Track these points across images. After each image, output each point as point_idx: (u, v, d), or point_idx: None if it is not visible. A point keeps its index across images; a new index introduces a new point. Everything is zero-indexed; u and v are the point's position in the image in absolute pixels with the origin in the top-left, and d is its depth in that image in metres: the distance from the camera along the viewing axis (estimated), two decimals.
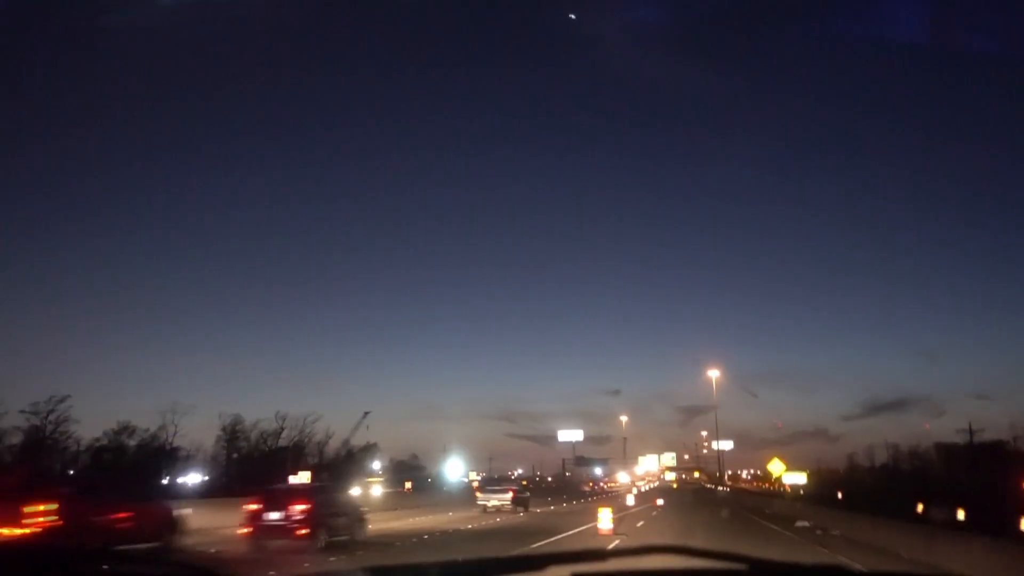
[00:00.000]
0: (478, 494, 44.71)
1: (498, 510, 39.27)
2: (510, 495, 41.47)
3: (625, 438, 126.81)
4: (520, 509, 40.75)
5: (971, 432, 66.48)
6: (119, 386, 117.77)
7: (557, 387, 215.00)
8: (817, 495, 60.26)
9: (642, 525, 30.47)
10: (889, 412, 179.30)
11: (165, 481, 71.21)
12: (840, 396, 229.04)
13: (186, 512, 21.11)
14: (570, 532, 25.10)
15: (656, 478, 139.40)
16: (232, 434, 76.82)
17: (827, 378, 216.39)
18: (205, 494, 63.16)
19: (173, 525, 19.32)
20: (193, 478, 73.99)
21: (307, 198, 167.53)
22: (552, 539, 21.98)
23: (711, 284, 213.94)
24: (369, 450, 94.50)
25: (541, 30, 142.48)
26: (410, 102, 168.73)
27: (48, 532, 14.63)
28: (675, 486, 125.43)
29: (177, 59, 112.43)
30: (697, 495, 78.18)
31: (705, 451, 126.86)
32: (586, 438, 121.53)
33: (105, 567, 1.45)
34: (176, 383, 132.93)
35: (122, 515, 17.35)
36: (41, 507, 15.09)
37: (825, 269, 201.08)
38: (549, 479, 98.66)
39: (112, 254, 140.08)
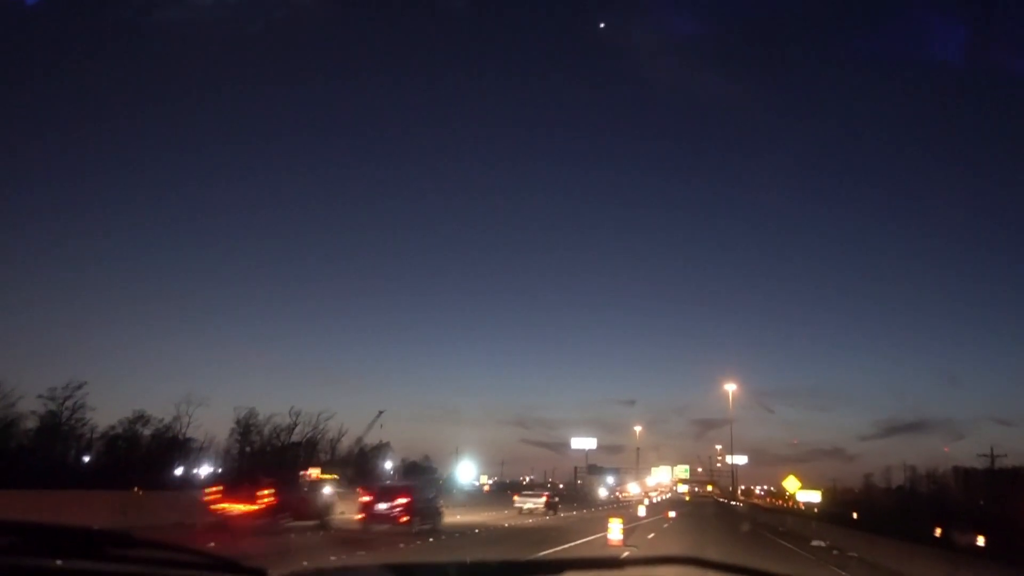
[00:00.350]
0: (516, 497, 50.48)
1: (532, 512, 44.39)
2: (544, 499, 48.26)
3: (638, 448, 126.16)
4: (551, 512, 46.47)
5: (992, 457, 65.11)
6: (136, 375, 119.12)
7: (573, 395, 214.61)
8: (831, 514, 59.33)
9: (653, 537, 29.98)
10: (907, 434, 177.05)
11: (179, 472, 71.62)
12: (858, 415, 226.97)
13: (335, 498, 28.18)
14: (599, 535, 25.22)
15: (669, 489, 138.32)
16: (246, 428, 77.04)
17: (845, 397, 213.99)
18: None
19: (329, 507, 26.47)
20: (206, 471, 74.27)
21: (332, 196, 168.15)
22: (582, 540, 24.16)
23: (731, 298, 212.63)
24: (381, 449, 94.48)
25: (569, 39, 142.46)
26: (438, 107, 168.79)
27: (269, 508, 22.66)
28: (687, 498, 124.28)
29: (196, 54, 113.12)
30: (709, 509, 77.30)
31: (719, 465, 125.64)
32: (599, 447, 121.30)
33: (129, 552, 1.50)
34: (192, 375, 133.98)
35: (303, 499, 25.48)
36: (266, 492, 23.29)
37: (847, 287, 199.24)
38: (561, 486, 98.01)
39: (135, 244, 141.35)
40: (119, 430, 69.64)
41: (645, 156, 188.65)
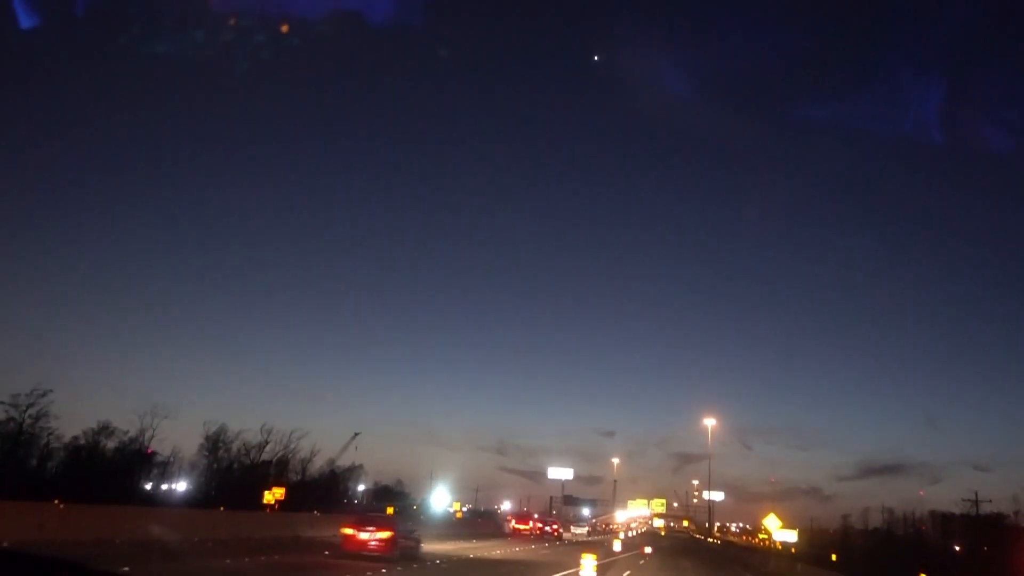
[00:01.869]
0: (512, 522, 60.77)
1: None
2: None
3: (616, 480, 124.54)
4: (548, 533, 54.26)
5: (977, 502, 64.40)
6: (102, 386, 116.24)
7: (552, 423, 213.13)
8: (811, 555, 58.15)
9: (629, 575, 28.95)
10: (884, 476, 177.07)
11: (148, 487, 69.47)
12: (836, 456, 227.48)
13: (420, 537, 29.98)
14: (572, 570, 24.55)
15: (645, 523, 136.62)
16: (215, 443, 74.93)
17: (824, 437, 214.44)
18: (188, 503, 61.45)
19: (418, 543, 28.88)
20: (179, 486, 72.24)
21: (311, 212, 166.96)
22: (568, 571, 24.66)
23: (714, 334, 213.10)
24: (354, 471, 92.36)
25: (564, 66, 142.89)
26: (419, 126, 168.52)
27: (384, 544, 25.18)
28: (663, 533, 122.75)
29: (177, 61, 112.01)
30: (686, 545, 75.92)
31: (695, 500, 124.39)
32: (577, 477, 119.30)
33: None
34: (160, 387, 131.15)
35: (409, 539, 27.84)
36: (388, 532, 25.82)
37: (830, 330, 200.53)
38: (536, 516, 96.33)
39: (106, 251, 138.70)
40: (82, 441, 67.56)
41: (634, 189, 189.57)
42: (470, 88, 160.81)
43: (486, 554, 33.92)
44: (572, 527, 74.81)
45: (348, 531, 26.04)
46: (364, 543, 25.27)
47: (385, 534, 25.69)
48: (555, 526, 68.71)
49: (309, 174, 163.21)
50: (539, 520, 69.18)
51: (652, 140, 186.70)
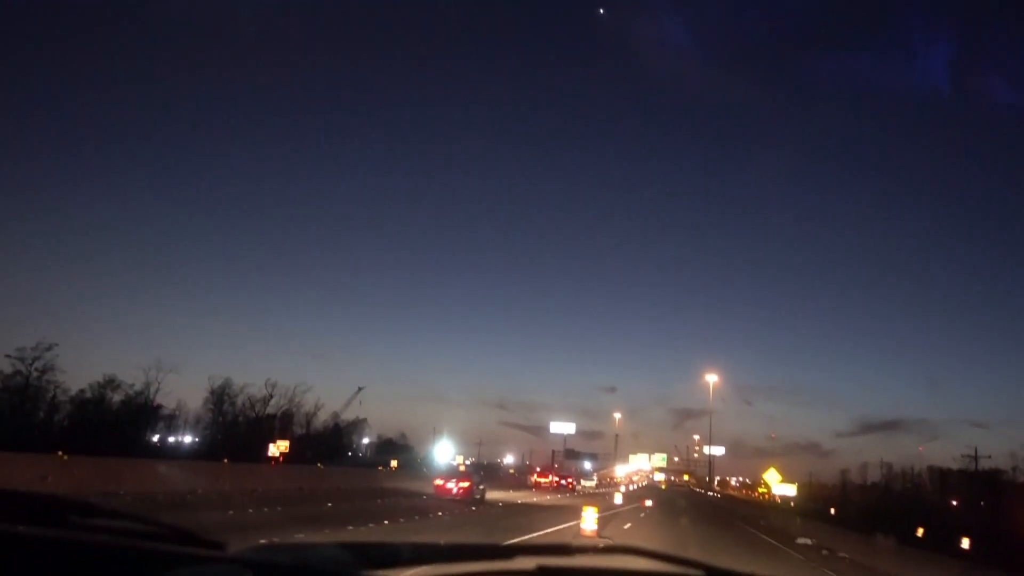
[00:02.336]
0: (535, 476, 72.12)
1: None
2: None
3: (617, 435, 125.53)
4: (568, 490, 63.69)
5: (976, 458, 64.73)
6: (108, 340, 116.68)
7: (554, 379, 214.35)
8: (807, 509, 58.82)
9: (629, 528, 29.09)
10: (883, 432, 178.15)
11: (155, 439, 70.24)
12: (835, 413, 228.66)
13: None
14: (574, 522, 24.47)
15: (645, 478, 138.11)
16: (220, 397, 75.54)
17: (824, 394, 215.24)
18: (193, 456, 62.10)
19: (484, 491, 38.26)
20: (185, 439, 73.05)
21: (317, 167, 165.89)
22: (553, 529, 24.75)
23: (717, 292, 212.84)
24: (358, 425, 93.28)
25: (565, 24, 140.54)
26: (424, 87, 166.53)
27: (465, 491, 35.19)
28: (663, 487, 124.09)
29: (182, 37, 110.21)
30: (686, 499, 76.67)
31: (696, 455, 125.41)
32: (578, 432, 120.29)
33: (89, 520, 1.55)
34: (166, 341, 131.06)
35: (478, 488, 36.89)
36: (467, 483, 36.31)
37: (831, 288, 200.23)
38: (538, 469, 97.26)
39: (111, 206, 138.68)
40: (89, 394, 68.12)
41: (634, 148, 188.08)
42: (465, 43, 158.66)
43: (525, 500, 43.90)
44: (583, 480, 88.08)
45: (439, 482, 37.27)
46: (450, 490, 35.56)
47: (465, 484, 36.52)
48: (570, 480, 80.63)
49: (312, 132, 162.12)
50: (556, 475, 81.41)
51: (655, 97, 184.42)
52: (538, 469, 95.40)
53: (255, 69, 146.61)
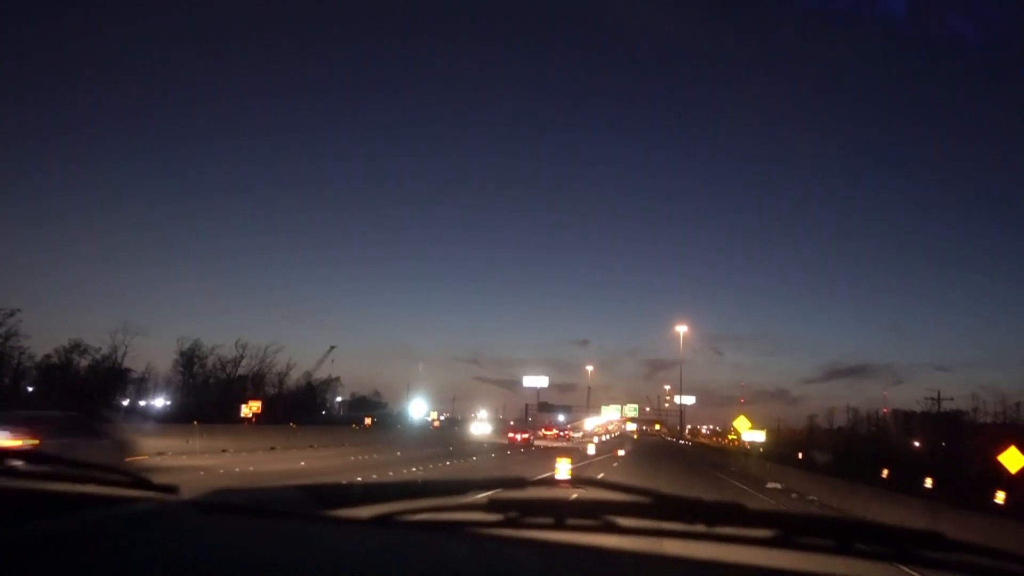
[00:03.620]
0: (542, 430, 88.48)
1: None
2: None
3: (589, 387, 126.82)
4: (564, 441, 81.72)
5: (939, 401, 66.38)
6: (72, 304, 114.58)
7: (526, 333, 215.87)
8: (777, 454, 60.09)
9: (602, 477, 29.27)
10: (849, 378, 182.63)
11: (125, 403, 69.52)
12: (802, 360, 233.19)
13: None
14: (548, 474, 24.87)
15: (617, 428, 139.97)
16: (189, 359, 74.86)
17: (791, 342, 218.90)
18: (164, 419, 61.64)
19: (534, 441, 68.92)
20: (156, 403, 72.37)
21: (285, 129, 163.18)
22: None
23: (685, 243, 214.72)
24: (330, 384, 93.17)
25: None
26: (395, 43, 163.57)
27: (526, 440, 66.69)
28: (635, 437, 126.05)
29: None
30: (658, 447, 78.03)
31: (667, 405, 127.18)
32: (551, 385, 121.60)
33: (40, 468, 1.61)
34: (133, 304, 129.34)
35: (533, 439, 70.62)
36: (527, 434, 70.85)
37: (795, 235, 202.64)
38: (511, 423, 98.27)
39: (75, 167, 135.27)
40: (55, 360, 67.20)
41: (604, 98, 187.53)
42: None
43: (551, 444, 66.92)
44: (572, 433, 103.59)
45: (511, 435, 67.95)
46: (515, 439, 64.72)
47: (526, 435, 67.32)
48: (567, 432, 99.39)
49: (284, 92, 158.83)
50: (558, 428, 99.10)
51: (621, 45, 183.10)
52: (511, 423, 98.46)
53: (229, 30, 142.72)
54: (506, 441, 69.38)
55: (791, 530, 1.26)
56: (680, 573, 1.26)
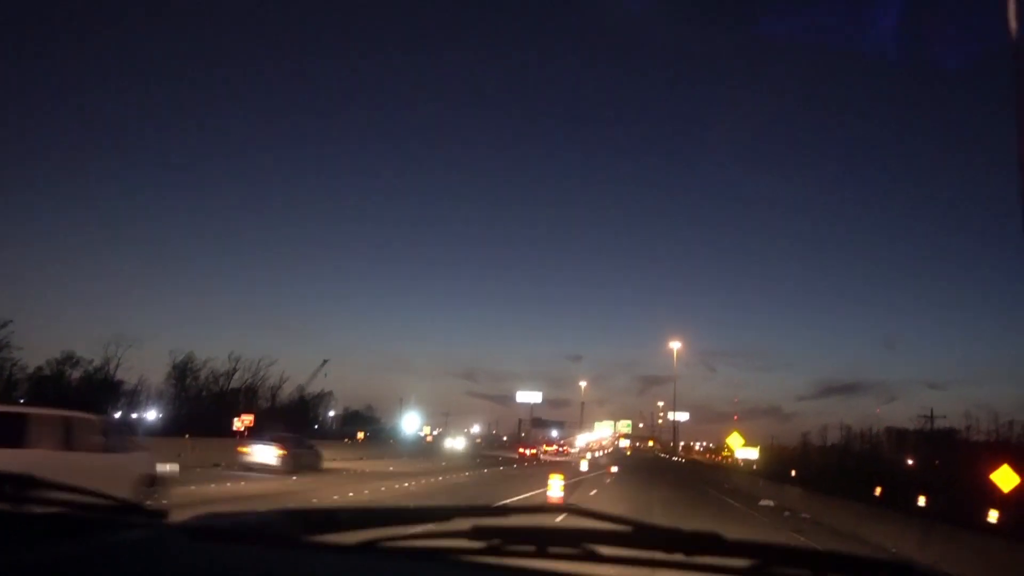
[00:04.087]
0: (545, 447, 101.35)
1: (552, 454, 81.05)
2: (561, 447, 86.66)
3: (583, 403, 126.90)
4: (563, 456, 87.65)
5: (932, 418, 66.53)
6: (64, 316, 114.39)
7: (521, 348, 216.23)
8: (769, 471, 59.97)
9: (595, 494, 29.29)
10: (842, 395, 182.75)
11: (117, 415, 69.08)
12: (796, 376, 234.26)
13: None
14: (539, 491, 25.19)
15: (611, 444, 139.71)
16: (182, 372, 74.63)
17: (785, 358, 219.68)
18: (156, 432, 61.29)
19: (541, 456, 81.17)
20: (148, 415, 72.06)
21: (278, 141, 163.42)
22: (520, 497, 24.89)
23: (679, 260, 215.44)
24: (323, 398, 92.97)
25: None
26: (388, 55, 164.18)
27: (535, 455, 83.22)
28: (629, 453, 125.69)
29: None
30: (651, 464, 77.81)
31: (660, 421, 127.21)
32: (545, 400, 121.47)
33: (30, 493, 1.55)
34: (125, 316, 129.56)
35: (537, 453, 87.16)
36: (534, 449, 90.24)
37: (790, 252, 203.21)
38: (504, 438, 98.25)
39: (68, 178, 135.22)
40: (47, 371, 66.92)
41: (600, 115, 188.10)
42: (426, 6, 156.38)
43: (552, 459, 73.75)
44: (570, 449, 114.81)
45: (521, 449, 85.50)
46: (525, 454, 77.38)
47: (535, 449, 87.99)
48: (565, 447, 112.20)
49: (276, 105, 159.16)
50: (557, 444, 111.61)
51: (617, 60, 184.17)
52: (504, 438, 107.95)
53: (207, 49, 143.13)
54: (494, 454, 78.19)
55: (768, 560, 1.29)
56: None
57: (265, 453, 26.03)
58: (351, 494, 20.77)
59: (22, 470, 1.57)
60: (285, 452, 25.98)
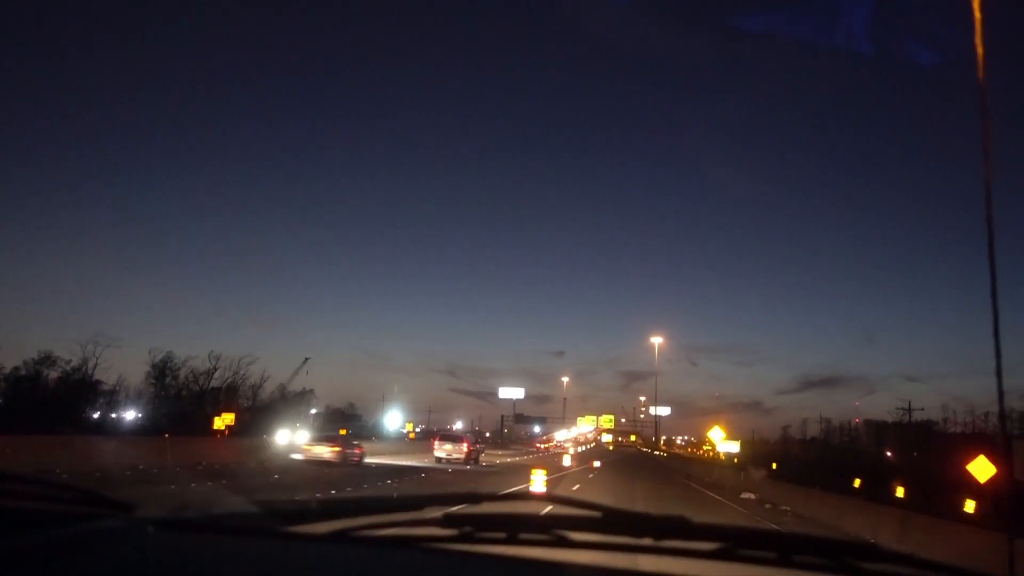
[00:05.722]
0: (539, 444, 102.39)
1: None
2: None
3: (565, 399, 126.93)
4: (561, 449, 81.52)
5: (910, 411, 67.27)
6: (40, 315, 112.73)
7: (503, 345, 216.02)
8: (753, 465, 60.30)
9: (578, 488, 29.35)
10: (822, 388, 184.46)
11: (96, 416, 68.41)
12: (776, 370, 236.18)
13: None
14: (523, 486, 25.01)
15: (593, 440, 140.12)
16: (161, 371, 73.94)
17: (765, 353, 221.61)
18: (136, 432, 60.70)
19: (478, 453, 47.33)
20: (126, 415, 71.33)
21: (259, 136, 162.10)
22: (505, 491, 25.02)
23: (661, 256, 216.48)
24: (305, 396, 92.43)
25: None
26: (372, 53, 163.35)
27: (468, 454, 43.57)
28: (611, 448, 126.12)
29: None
30: (634, 459, 78.24)
31: (642, 416, 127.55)
32: (528, 396, 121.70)
33: (15, 486, 1.56)
34: (103, 315, 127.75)
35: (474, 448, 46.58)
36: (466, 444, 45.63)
37: (770, 250, 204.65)
38: (487, 435, 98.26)
39: (44, 175, 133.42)
40: (23, 372, 66.01)
41: (581, 114, 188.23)
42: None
43: (511, 460, 56.36)
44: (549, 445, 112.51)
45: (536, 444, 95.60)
46: (539, 447, 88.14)
47: (545, 445, 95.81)
48: (561, 443, 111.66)
49: (256, 101, 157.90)
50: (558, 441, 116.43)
51: (597, 59, 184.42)
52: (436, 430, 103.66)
53: (191, 43, 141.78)
54: (416, 461, 75.23)
55: (735, 543, 1.30)
56: None
57: (324, 451, 33.62)
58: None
59: None
60: (339, 449, 33.77)
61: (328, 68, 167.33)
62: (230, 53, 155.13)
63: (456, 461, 41.64)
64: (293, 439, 43.00)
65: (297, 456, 34.58)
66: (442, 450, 42.71)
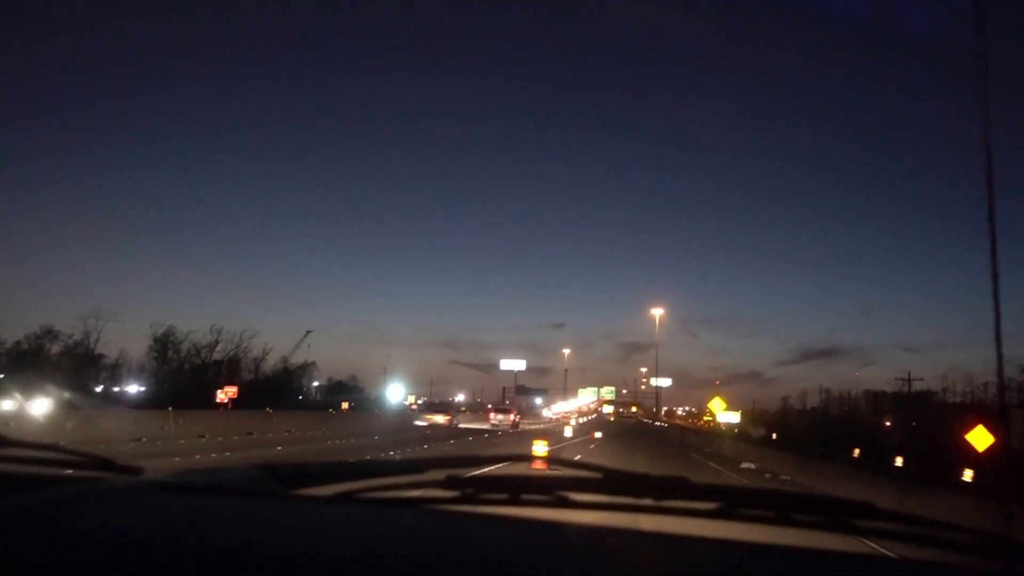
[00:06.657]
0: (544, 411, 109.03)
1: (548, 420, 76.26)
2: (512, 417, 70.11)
3: (566, 370, 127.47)
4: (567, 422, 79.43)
5: (909, 381, 67.51)
6: (44, 288, 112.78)
7: (503, 317, 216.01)
8: (751, 424, 60.82)
9: (579, 459, 29.35)
10: (821, 359, 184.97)
11: (98, 390, 68.80)
12: (776, 342, 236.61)
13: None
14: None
15: (594, 411, 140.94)
16: (163, 345, 74.22)
17: (765, 324, 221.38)
18: (139, 405, 60.99)
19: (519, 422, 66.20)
20: (131, 389, 71.77)
21: (257, 110, 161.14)
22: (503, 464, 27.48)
23: (661, 226, 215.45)
24: (307, 369, 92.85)
25: None
26: (364, 29, 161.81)
27: (513, 422, 63.26)
28: (612, 419, 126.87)
29: None
30: (635, 429, 78.65)
31: (643, 387, 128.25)
32: (529, 368, 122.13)
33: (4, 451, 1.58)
34: (104, 289, 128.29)
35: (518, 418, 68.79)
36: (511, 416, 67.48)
37: (769, 221, 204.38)
38: (489, 406, 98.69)
39: (45, 149, 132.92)
40: (25, 346, 66.33)
41: (580, 87, 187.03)
42: None
43: (533, 427, 64.04)
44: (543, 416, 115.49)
45: (555, 416, 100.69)
46: (558, 419, 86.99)
47: (567, 416, 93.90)
48: (567, 415, 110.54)
49: (255, 81, 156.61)
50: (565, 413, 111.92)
51: (598, 30, 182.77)
52: (489, 406, 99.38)
53: (190, 26, 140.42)
54: (478, 425, 73.95)
55: (733, 502, 1.32)
56: (631, 543, 1.30)
57: (439, 418, 51.39)
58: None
59: None
60: (450, 416, 51.93)
61: (329, 43, 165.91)
62: (225, 30, 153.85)
63: (505, 427, 57.17)
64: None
65: (420, 423, 49.96)
66: (495, 419, 61.06)
